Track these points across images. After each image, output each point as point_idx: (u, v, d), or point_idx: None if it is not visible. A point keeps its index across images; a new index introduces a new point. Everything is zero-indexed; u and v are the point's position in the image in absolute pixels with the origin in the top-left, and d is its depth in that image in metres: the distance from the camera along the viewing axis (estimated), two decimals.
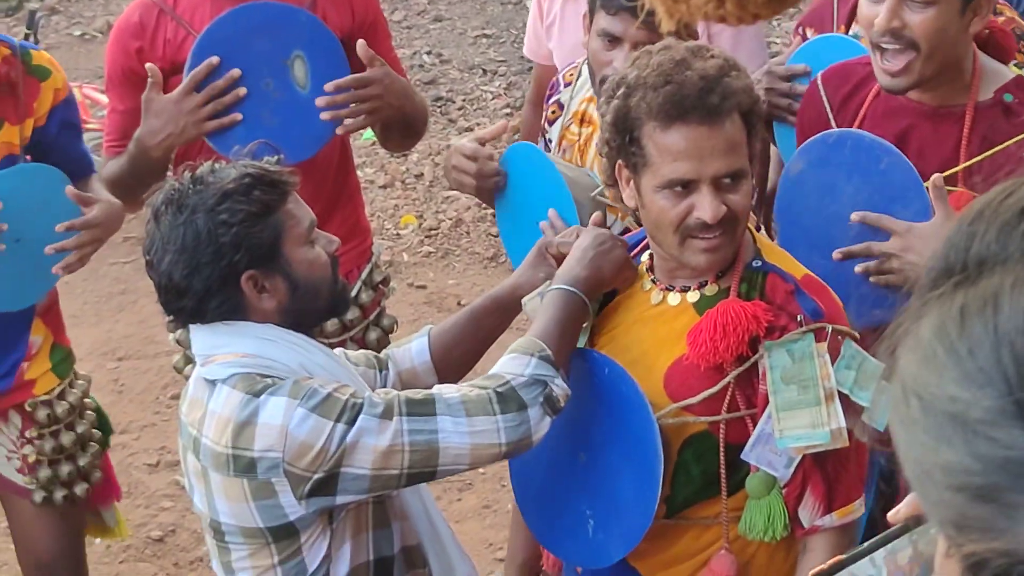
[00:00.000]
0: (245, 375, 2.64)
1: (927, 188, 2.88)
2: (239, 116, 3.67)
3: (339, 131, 3.72)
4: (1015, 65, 3.21)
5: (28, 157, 3.68)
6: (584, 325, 2.82)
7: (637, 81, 2.62)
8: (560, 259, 2.88)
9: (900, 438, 1.02)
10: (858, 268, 2.96)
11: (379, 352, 3.06)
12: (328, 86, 3.67)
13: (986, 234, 1.01)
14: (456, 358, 2.94)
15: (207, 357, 2.72)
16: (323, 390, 2.60)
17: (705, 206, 2.60)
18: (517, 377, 2.64)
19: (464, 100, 9.42)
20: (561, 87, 3.65)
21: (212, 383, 2.68)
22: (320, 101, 3.67)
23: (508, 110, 9.11)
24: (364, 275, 4.04)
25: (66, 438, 3.90)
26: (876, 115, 3.15)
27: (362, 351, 3.04)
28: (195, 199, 2.67)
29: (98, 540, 5.36)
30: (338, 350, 2.98)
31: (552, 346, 2.67)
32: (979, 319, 0.97)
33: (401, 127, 3.96)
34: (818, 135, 3.13)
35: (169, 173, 3.75)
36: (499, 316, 2.96)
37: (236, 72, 3.65)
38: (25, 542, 4.01)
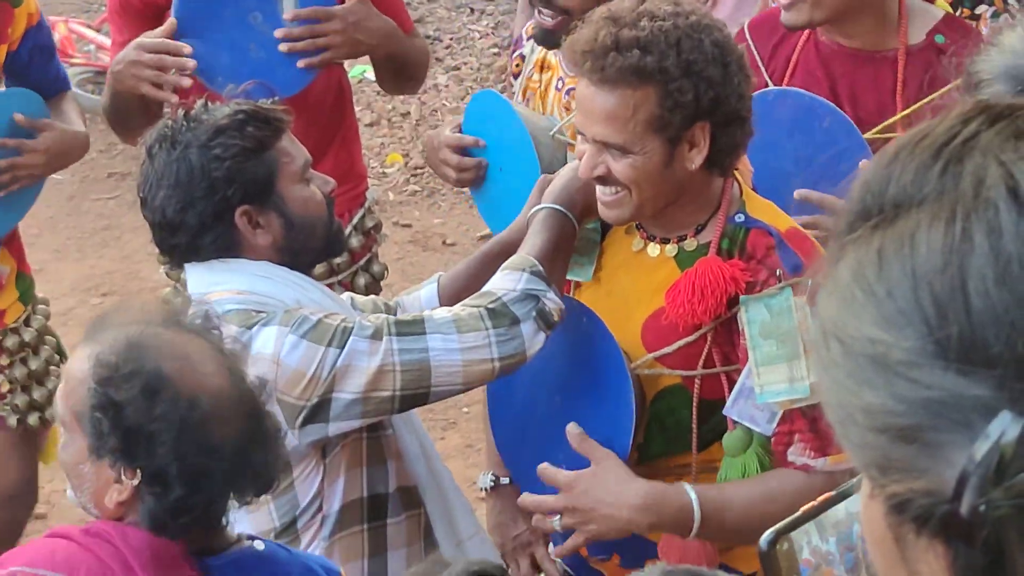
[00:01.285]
0: (240, 310, 2.65)
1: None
2: (190, 64, 3.59)
3: (300, 64, 3.68)
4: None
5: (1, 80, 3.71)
6: (593, 257, 2.83)
7: (598, 14, 2.62)
8: None
9: (822, 382, 1.02)
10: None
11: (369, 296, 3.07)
12: (286, 15, 3.64)
13: (902, 176, 1.00)
14: None
15: (203, 295, 2.72)
16: (313, 317, 2.61)
17: (582, 160, 2.62)
18: (509, 292, 2.64)
19: (452, 39, 9.38)
20: (524, 41, 3.65)
21: None
22: (278, 33, 3.65)
23: (495, 49, 9.07)
24: (355, 220, 4.03)
25: (34, 362, 3.92)
26: (808, 63, 3.15)
27: (370, 297, 3.05)
28: (188, 136, 2.68)
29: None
30: (345, 295, 3.01)
31: (544, 263, 2.67)
32: (897, 260, 0.97)
33: (390, 69, 3.93)
34: (757, 93, 3.13)
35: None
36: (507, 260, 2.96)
37: (188, 51, 3.56)
38: None
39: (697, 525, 2.57)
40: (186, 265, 2.78)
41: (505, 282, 2.66)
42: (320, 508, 2.75)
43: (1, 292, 3.85)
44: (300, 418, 2.62)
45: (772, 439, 2.62)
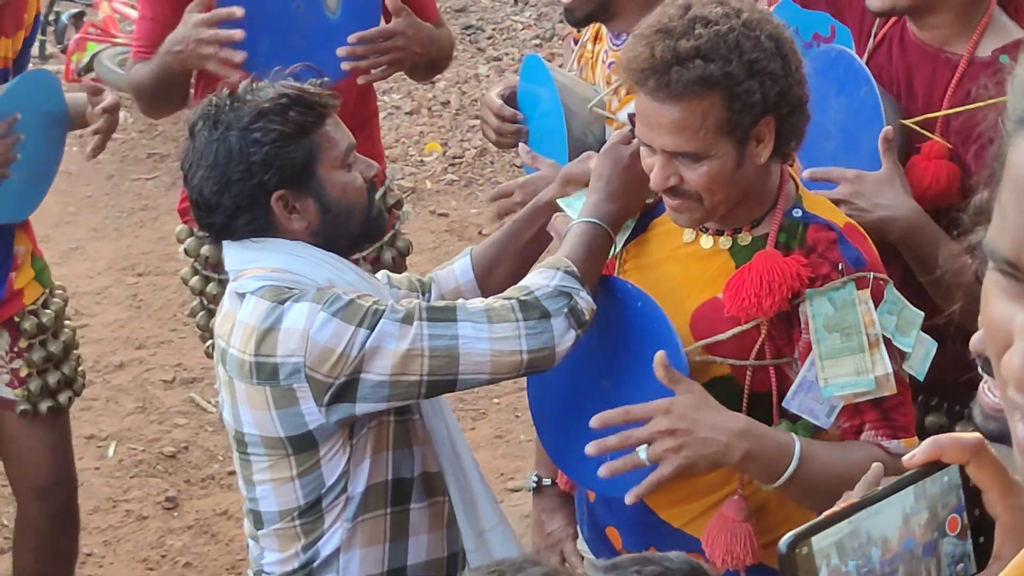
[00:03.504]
0: (273, 286, 2.67)
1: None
2: (238, 34, 3.59)
3: (360, 81, 3.75)
4: None
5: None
6: (626, 231, 2.82)
7: (640, 28, 2.58)
8: None
9: None
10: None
11: (395, 272, 3.09)
12: (351, 38, 3.68)
13: None
14: (500, 274, 2.94)
15: (238, 272, 2.75)
16: (345, 296, 2.63)
17: (653, 173, 2.59)
18: (542, 288, 2.65)
19: (494, 29, 9.37)
20: None
21: (242, 296, 2.71)
22: (341, 51, 3.68)
23: (538, 40, 9.06)
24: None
25: (53, 346, 3.88)
26: (895, 41, 3.13)
27: (405, 274, 3.05)
28: (230, 116, 2.69)
29: (111, 453, 5.40)
30: (381, 273, 3.01)
31: (579, 266, 2.67)
32: None
33: (426, 67, 3.99)
34: (824, 47, 3.10)
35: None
36: (540, 226, 2.95)
37: (240, 13, 3.58)
38: (17, 460, 3.96)
39: (793, 468, 2.53)
40: (223, 243, 2.80)
41: (539, 278, 2.67)
42: (345, 489, 2.76)
43: (19, 271, 3.83)
44: (328, 395, 2.63)
45: (839, 434, 2.62)
